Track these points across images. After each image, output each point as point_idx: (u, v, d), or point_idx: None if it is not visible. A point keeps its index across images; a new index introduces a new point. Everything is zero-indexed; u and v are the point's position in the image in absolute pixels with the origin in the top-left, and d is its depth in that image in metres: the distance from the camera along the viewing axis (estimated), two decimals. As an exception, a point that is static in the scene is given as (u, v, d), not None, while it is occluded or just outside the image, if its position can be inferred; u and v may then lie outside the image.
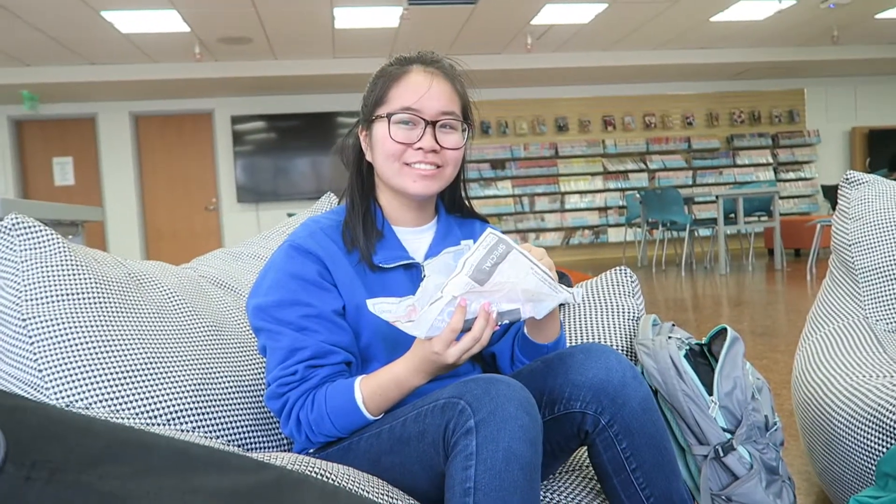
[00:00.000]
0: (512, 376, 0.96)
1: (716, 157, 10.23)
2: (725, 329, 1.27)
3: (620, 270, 1.48)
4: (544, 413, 0.97)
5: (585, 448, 1.02)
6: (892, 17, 7.91)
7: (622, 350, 1.37)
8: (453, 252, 1.10)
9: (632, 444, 0.95)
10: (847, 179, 1.67)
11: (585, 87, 9.94)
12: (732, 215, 7.43)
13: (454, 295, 0.87)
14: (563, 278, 0.98)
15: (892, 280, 1.51)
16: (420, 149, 1.05)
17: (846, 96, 10.71)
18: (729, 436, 1.15)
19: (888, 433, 1.14)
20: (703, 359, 1.30)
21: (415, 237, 1.14)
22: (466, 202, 1.22)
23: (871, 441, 1.17)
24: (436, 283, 0.91)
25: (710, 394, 1.18)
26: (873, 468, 1.18)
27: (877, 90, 10.74)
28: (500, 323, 0.92)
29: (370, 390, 0.97)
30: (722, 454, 1.13)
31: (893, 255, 1.53)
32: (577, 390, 0.95)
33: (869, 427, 1.18)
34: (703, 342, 1.32)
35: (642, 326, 1.32)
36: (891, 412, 1.13)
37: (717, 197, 7.08)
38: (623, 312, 1.41)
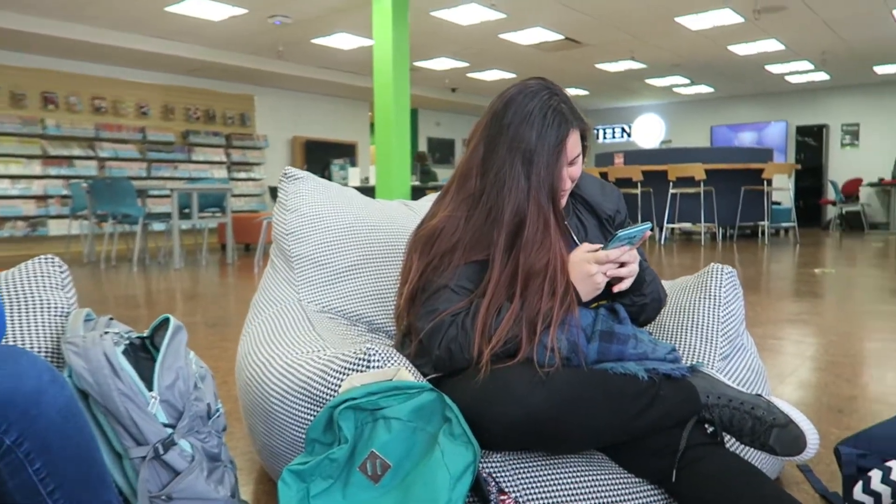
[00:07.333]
0: None
1: (171, 151, 10.13)
2: (168, 319, 1.20)
3: (45, 259, 1.26)
4: None
5: None
6: (328, 45, 9.16)
7: (47, 353, 1.16)
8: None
9: (49, 461, 0.80)
10: (286, 174, 1.80)
11: (24, 56, 8.58)
12: (187, 210, 7.44)
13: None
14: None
15: (321, 266, 1.69)
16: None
17: (290, 108, 11.97)
18: (170, 430, 1.08)
19: (316, 403, 1.24)
20: (146, 353, 1.21)
21: None
22: None
23: (303, 412, 1.27)
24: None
25: (151, 389, 1.10)
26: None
27: (316, 106, 12.32)
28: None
29: None
30: (162, 452, 1.06)
31: (323, 244, 1.71)
32: None
33: (300, 399, 1.27)
34: (144, 335, 1.23)
35: (72, 323, 1.15)
36: (318, 383, 1.24)
37: (171, 191, 6.98)
38: (49, 309, 1.20)
